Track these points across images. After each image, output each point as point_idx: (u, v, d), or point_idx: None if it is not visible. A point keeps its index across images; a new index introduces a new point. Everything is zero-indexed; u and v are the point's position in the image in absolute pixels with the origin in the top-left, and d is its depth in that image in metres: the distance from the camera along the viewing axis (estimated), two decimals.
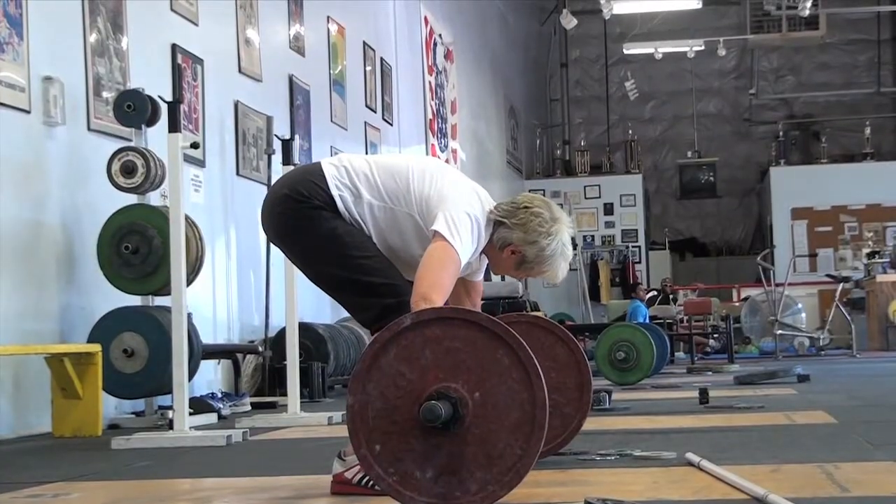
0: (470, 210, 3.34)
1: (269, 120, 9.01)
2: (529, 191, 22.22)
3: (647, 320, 13.97)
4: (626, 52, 21.95)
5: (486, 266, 3.69)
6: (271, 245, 8.41)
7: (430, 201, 3.34)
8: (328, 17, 11.08)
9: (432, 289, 3.14)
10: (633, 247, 22.06)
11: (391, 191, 3.38)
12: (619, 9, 18.63)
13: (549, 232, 3.43)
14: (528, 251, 3.43)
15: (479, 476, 2.80)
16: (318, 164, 3.46)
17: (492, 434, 2.80)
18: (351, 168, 3.41)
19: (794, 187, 21.43)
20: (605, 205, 22.23)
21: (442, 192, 3.35)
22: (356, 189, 3.38)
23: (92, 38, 6.79)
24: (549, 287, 22.07)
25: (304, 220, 3.35)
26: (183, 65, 7.80)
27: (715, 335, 16.03)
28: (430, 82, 15.05)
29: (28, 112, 6.15)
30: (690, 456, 3.64)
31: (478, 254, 3.48)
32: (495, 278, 17.60)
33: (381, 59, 12.82)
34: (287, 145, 6.68)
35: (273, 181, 8.60)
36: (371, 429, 2.83)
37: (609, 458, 3.89)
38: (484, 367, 2.80)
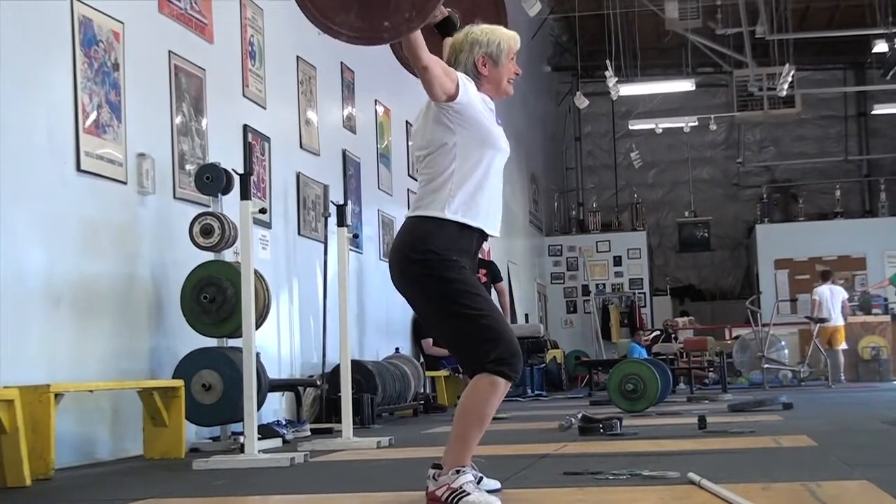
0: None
1: (325, 188, 9.05)
2: (549, 247, 22.32)
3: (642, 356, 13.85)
4: (630, 127, 21.96)
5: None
6: (327, 293, 8.44)
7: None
8: (376, 100, 11.15)
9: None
10: (639, 293, 21.98)
11: (441, 150, 3.36)
12: (624, 91, 18.70)
13: (468, 35, 3.46)
14: (482, 49, 3.44)
15: (386, 13, 2.87)
16: (414, 218, 3.34)
17: None
18: (429, 191, 3.33)
19: (776, 241, 21.36)
20: (614, 257, 22.18)
21: None
22: (448, 183, 3.31)
23: (178, 120, 6.85)
24: (567, 328, 22.03)
25: (422, 283, 3.27)
26: (253, 142, 7.86)
27: (711, 369, 15.87)
28: None
29: (125, 183, 6.20)
30: (692, 475, 3.58)
31: (487, 101, 3.48)
32: (520, 320, 17.54)
33: None
34: (341, 209, 6.69)
35: (328, 240, 8.65)
36: None
37: (621, 477, 3.83)
38: None
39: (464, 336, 3.25)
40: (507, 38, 3.51)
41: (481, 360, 3.20)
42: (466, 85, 3.34)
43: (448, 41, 3.54)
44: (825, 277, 15.82)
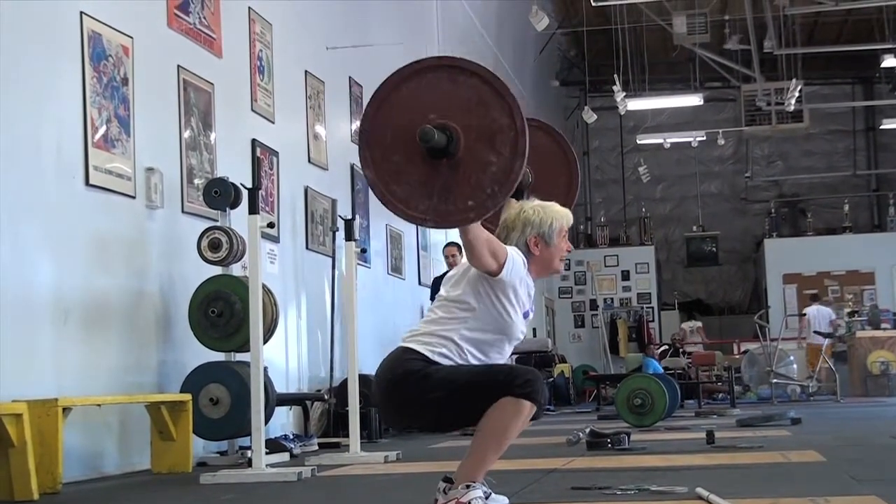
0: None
1: (333, 202, 9.06)
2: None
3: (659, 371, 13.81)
4: (638, 142, 22.00)
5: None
6: (335, 308, 8.44)
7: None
8: None
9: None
10: (647, 307, 21.96)
11: (462, 307, 3.32)
12: (632, 106, 18.72)
13: (520, 213, 3.44)
14: (534, 231, 3.42)
15: (469, 192, 2.91)
16: (402, 347, 3.35)
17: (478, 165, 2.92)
18: (429, 332, 3.33)
19: (784, 256, 21.35)
20: (622, 272, 22.18)
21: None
22: (449, 340, 3.29)
23: (186, 134, 6.87)
24: (575, 342, 22.01)
25: (413, 393, 3.25)
26: (261, 156, 7.87)
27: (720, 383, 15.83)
28: None
29: (133, 197, 6.21)
30: (700, 490, 3.57)
31: (530, 286, 3.41)
32: (528, 335, 17.53)
33: None
34: (349, 224, 6.70)
35: (336, 254, 8.66)
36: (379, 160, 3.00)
37: (629, 492, 3.83)
38: (477, 111, 2.93)
39: (479, 393, 3.20)
40: (559, 216, 3.49)
41: (508, 387, 3.17)
42: (514, 265, 3.29)
43: (513, 211, 3.47)
44: (815, 299, 17.71)
